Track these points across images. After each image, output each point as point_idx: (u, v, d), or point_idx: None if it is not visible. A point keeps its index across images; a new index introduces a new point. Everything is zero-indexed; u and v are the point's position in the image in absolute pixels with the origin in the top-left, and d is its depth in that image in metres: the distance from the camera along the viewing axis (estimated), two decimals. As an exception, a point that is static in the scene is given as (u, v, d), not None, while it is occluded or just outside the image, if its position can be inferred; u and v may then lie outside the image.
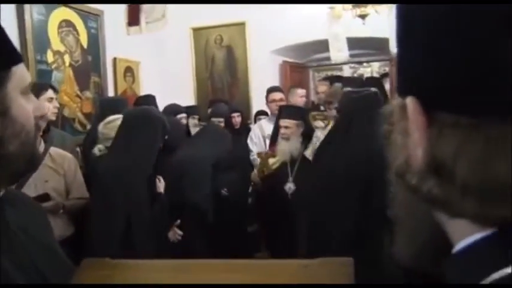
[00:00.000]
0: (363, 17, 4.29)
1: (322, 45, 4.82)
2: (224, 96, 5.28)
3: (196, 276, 0.62)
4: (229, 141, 3.02)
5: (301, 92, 4.31)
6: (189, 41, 5.42)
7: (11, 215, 0.70)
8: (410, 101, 0.41)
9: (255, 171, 3.35)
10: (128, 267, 0.69)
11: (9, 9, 3.33)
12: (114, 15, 4.52)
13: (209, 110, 4.08)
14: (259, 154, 3.46)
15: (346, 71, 7.75)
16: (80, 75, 4.07)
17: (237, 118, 3.95)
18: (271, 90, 4.20)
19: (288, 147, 2.97)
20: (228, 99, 5.08)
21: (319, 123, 3.02)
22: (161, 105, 4.01)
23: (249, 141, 3.98)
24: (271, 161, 3.12)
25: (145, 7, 4.59)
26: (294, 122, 2.98)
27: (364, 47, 5.74)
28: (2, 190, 0.70)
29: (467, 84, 0.36)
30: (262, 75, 5.15)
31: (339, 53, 4.47)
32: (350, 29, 4.35)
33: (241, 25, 5.19)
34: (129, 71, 4.86)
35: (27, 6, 3.42)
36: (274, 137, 3.18)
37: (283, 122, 3.01)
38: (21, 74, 0.68)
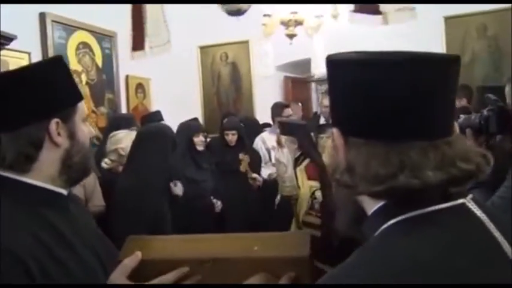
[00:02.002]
0: (290, 36, 4.33)
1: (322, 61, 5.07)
2: (230, 110, 5.57)
3: (196, 244, 0.94)
4: (169, 141, 2.78)
5: (286, 111, 4.22)
6: (196, 59, 5.75)
7: (73, 208, 0.97)
8: (335, 130, 0.70)
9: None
10: (157, 239, 0.99)
11: (34, 34, 3.67)
12: (127, 35, 4.85)
13: (224, 120, 4.25)
14: None
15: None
16: (95, 93, 4.40)
17: (231, 136, 3.79)
18: (286, 105, 4.26)
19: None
20: (234, 113, 5.36)
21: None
22: (170, 118, 4.30)
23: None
24: None
25: (149, 32, 4.81)
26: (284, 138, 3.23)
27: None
28: (68, 190, 0.97)
29: (359, 120, 0.66)
30: (265, 90, 5.46)
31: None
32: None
33: (245, 43, 5.50)
34: (141, 88, 5.17)
35: (49, 32, 3.76)
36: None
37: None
38: (83, 108, 0.96)
